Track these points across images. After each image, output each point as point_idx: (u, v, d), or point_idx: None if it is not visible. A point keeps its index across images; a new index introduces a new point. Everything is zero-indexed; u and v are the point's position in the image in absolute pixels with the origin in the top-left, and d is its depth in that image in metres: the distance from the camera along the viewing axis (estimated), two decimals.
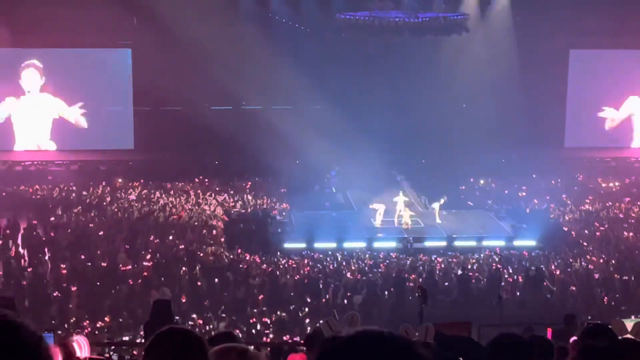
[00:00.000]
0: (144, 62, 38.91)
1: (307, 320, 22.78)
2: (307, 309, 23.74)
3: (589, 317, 20.80)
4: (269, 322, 22.49)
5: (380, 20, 34.94)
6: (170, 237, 29.21)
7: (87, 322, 22.09)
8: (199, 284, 25.35)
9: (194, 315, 22.41)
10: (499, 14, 39.83)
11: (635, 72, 41.70)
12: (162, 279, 25.32)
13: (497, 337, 4.71)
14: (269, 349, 14.58)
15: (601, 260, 27.70)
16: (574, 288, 25.47)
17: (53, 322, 21.99)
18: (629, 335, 6.01)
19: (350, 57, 37.63)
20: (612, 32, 39.25)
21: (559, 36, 39.33)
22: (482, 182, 37.56)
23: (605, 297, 25.16)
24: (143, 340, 15.00)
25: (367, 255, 28.29)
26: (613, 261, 27.53)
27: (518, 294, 25.50)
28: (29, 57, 39.65)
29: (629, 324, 6.14)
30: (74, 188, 35.08)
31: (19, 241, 28.96)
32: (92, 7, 35.77)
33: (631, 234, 30.61)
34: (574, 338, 6.09)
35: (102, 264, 26.46)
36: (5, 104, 39.53)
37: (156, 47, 37.80)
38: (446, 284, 26.14)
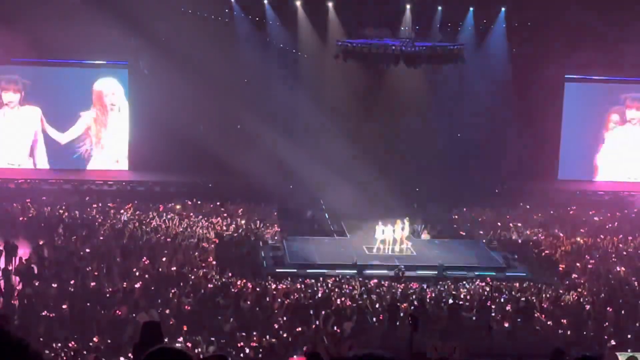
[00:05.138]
0: (141, 82, 39.01)
1: (297, 347, 22.63)
2: (297, 335, 23.60)
3: (579, 350, 20.72)
4: (258, 347, 22.35)
5: (377, 48, 35.05)
6: (163, 259, 29.12)
7: (74, 342, 21.91)
8: (189, 307, 25.20)
9: (181, 338, 22.27)
10: (495, 44, 40.03)
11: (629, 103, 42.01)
12: (153, 300, 25.19)
13: None
14: None
15: (592, 293, 27.66)
16: (564, 321, 25.40)
17: (40, 339, 21.82)
18: None
19: (346, 83, 37.69)
20: (607, 64, 39.43)
21: (555, 68, 39.53)
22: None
23: (596, 330, 25.10)
24: None
25: (358, 282, 28.21)
26: (603, 294, 27.51)
27: (507, 324, 25.41)
28: (20, 72, 39.74)
29: (622, 357, 6.12)
30: (64, 207, 34.97)
31: (12, 260, 28.83)
32: (90, 24, 35.76)
33: (622, 268, 30.59)
34: None
35: (92, 284, 26.35)
36: None
37: (154, 68, 37.88)
38: (436, 312, 26.05)
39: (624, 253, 32.73)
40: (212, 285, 26.92)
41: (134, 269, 27.82)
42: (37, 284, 26.32)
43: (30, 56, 37.99)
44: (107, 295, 25.52)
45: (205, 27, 37.34)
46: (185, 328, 23.07)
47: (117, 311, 23.91)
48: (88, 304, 24.77)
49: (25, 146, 40.12)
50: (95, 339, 22.08)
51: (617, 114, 42.21)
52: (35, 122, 39.88)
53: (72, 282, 26.48)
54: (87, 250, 29.74)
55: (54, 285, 26.11)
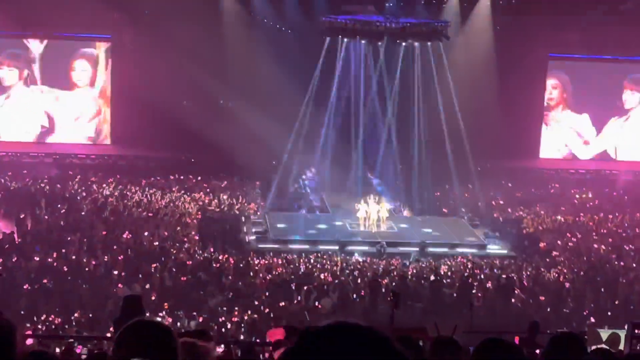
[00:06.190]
0: (123, 57, 38.76)
1: (278, 322, 22.68)
2: (278, 311, 23.67)
3: (560, 327, 20.87)
4: (239, 322, 22.41)
5: (362, 24, 34.98)
6: (145, 234, 29.06)
7: (54, 316, 21.90)
8: (171, 282, 25.21)
9: (162, 313, 22.29)
10: (479, 22, 39.98)
11: (613, 82, 42.05)
12: (135, 275, 25.18)
13: (485, 341, 4.73)
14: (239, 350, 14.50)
15: (572, 271, 27.86)
16: (542, 297, 25.59)
17: (22, 312, 21.81)
18: (603, 346, 6.04)
19: (330, 60, 37.57)
20: (590, 43, 39.50)
21: (538, 46, 39.56)
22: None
23: (575, 308, 25.30)
24: (113, 335, 14.89)
25: (339, 258, 28.28)
26: (583, 272, 27.72)
27: (489, 301, 25.56)
28: (8, 46, 39.40)
29: (604, 334, 6.18)
30: (46, 181, 34.80)
31: None
32: None
33: (602, 246, 30.81)
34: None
35: (73, 257, 26.27)
36: None
37: (136, 42, 37.65)
38: (418, 289, 26.17)
39: (605, 231, 32.94)
40: (193, 261, 26.91)
41: (115, 246, 27.68)
42: (17, 258, 26.19)
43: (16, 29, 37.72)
44: (88, 269, 25.48)
45: (188, 0, 37.06)
46: (166, 305, 23.08)
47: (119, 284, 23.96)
48: (69, 278, 24.74)
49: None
50: (76, 314, 22.07)
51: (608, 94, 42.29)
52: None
53: (54, 255, 26.37)
54: (69, 224, 29.62)
55: (36, 258, 26.02)
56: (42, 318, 21.53)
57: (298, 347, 2.49)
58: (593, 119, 42.25)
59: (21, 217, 30.05)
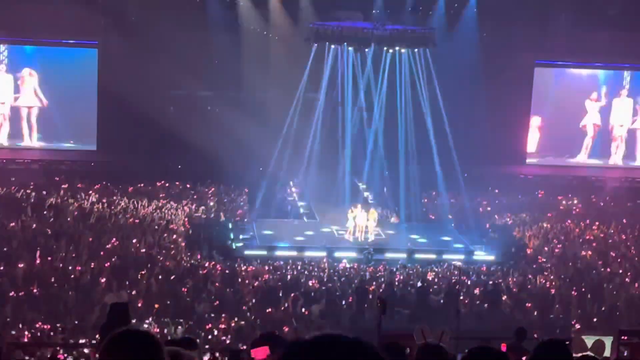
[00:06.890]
0: (110, 63, 38.67)
1: (265, 329, 22.64)
2: (265, 317, 23.64)
3: (545, 334, 20.92)
4: (226, 329, 22.37)
5: (349, 31, 35.01)
6: (132, 240, 28.94)
7: (41, 323, 21.80)
8: (158, 288, 25.12)
9: (149, 320, 22.23)
10: (466, 29, 40.07)
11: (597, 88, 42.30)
12: (121, 282, 25.08)
13: (473, 349, 4.73)
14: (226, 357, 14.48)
15: (559, 277, 27.92)
16: (529, 305, 25.63)
17: (8, 319, 21.70)
18: (588, 353, 6.05)
19: (317, 66, 37.60)
20: (576, 50, 39.67)
21: (525, 53, 39.69)
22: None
23: (561, 314, 25.36)
24: (99, 343, 14.83)
25: (327, 265, 28.25)
26: (568, 279, 27.79)
27: (475, 308, 25.59)
28: None
29: (589, 341, 6.19)
30: (32, 187, 34.64)
31: None
32: (59, 3, 35.35)
33: (589, 252, 30.89)
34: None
35: (59, 265, 26.16)
36: None
37: (123, 48, 37.57)
38: (405, 295, 26.18)
39: (591, 238, 33.00)
40: (180, 268, 26.84)
41: (101, 252, 27.57)
42: (3, 265, 26.07)
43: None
44: (74, 276, 25.37)
45: (175, 7, 37.05)
46: (156, 308, 23.02)
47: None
48: (56, 285, 24.63)
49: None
50: (62, 321, 21.97)
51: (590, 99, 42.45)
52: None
53: (38, 262, 26.26)
54: (55, 230, 29.49)
55: (21, 265, 25.88)
56: (28, 325, 21.41)
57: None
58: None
59: (9, 223, 29.91)
